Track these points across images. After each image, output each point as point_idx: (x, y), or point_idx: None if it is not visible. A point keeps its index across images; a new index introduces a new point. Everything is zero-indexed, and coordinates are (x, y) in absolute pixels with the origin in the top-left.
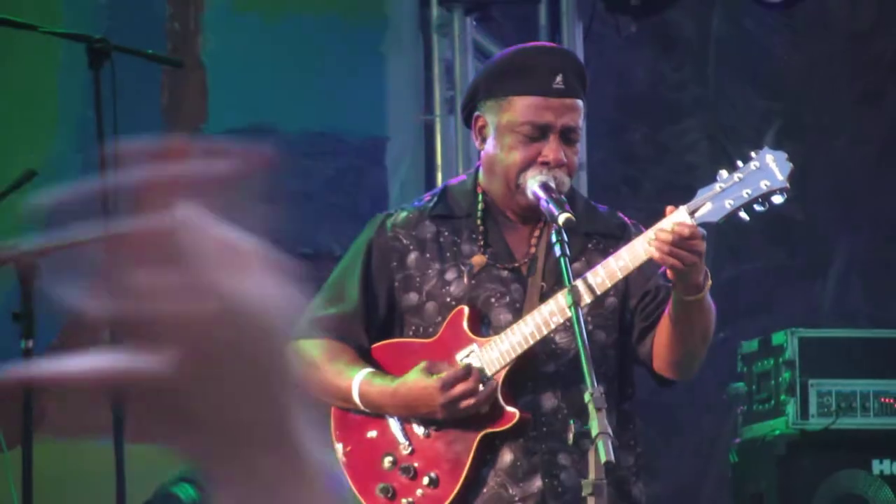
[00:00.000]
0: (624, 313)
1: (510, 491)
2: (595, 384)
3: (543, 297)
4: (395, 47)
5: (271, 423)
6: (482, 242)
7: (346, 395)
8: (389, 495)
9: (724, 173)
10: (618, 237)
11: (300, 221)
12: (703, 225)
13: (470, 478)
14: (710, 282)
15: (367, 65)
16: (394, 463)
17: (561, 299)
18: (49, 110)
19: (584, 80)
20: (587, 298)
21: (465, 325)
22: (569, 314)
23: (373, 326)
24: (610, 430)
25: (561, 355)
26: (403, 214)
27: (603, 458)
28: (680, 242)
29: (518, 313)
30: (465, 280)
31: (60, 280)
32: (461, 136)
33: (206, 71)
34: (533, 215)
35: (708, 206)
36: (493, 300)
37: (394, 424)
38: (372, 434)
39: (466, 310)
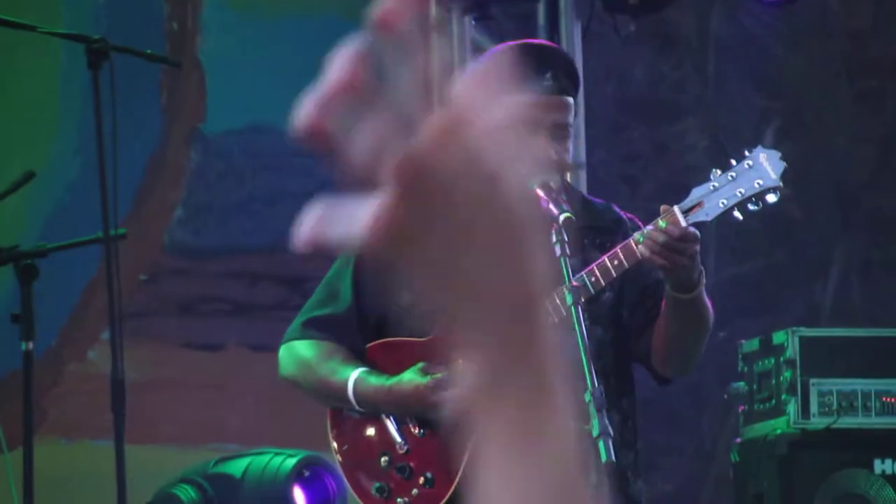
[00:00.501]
0: (620, 309)
1: None
2: (595, 384)
3: None
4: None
5: (521, 294)
6: None
7: (342, 394)
8: (385, 495)
9: (717, 172)
10: (613, 231)
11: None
12: (696, 224)
13: (466, 478)
14: (704, 280)
15: None
16: (390, 462)
17: (558, 298)
18: (49, 112)
19: (575, 78)
20: (582, 297)
21: None
22: (567, 312)
23: (367, 326)
24: (611, 430)
25: None
26: None
27: (604, 458)
28: (671, 244)
29: None
30: None
31: None
32: None
33: (204, 70)
34: None
35: (701, 205)
36: None
37: (390, 424)
38: (368, 433)
39: None
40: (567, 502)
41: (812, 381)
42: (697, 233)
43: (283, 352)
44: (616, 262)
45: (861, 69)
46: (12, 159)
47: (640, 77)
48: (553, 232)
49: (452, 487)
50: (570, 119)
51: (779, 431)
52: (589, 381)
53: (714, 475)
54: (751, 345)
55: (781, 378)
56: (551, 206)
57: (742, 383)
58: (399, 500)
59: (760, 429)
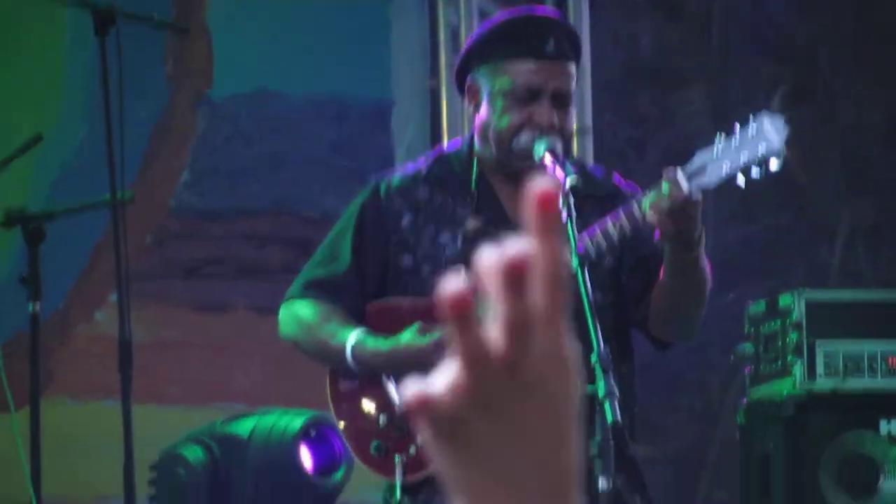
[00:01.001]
0: (620, 274)
1: None
2: (601, 345)
3: None
4: (400, 13)
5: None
6: (476, 207)
7: (340, 356)
8: (383, 453)
9: (721, 137)
10: (613, 201)
11: (306, 186)
12: (699, 188)
13: None
14: (704, 239)
15: (373, 30)
16: (388, 422)
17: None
18: (56, 76)
19: (576, 44)
20: (585, 261)
21: None
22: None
23: (366, 288)
24: (616, 391)
25: None
26: (398, 178)
27: (609, 419)
28: (675, 210)
29: None
30: (459, 244)
31: None
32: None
33: (211, 36)
34: (530, 178)
35: (705, 170)
36: None
37: (389, 384)
38: (367, 394)
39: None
40: None
41: (818, 342)
42: (700, 197)
43: (283, 311)
44: (619, 226)
45: (869, 34)
46: (20, 123)
47: (647, 43)
48: (561, 196)
49: None
50: (573, 86)
51: (785, 393)
52: (595, 343)
53: (720, 436)
54: (757, 307)
55: (788, 340)
56: (558, 171)
57: (749, 345)
58: (396, 457)
59: (766, 390)
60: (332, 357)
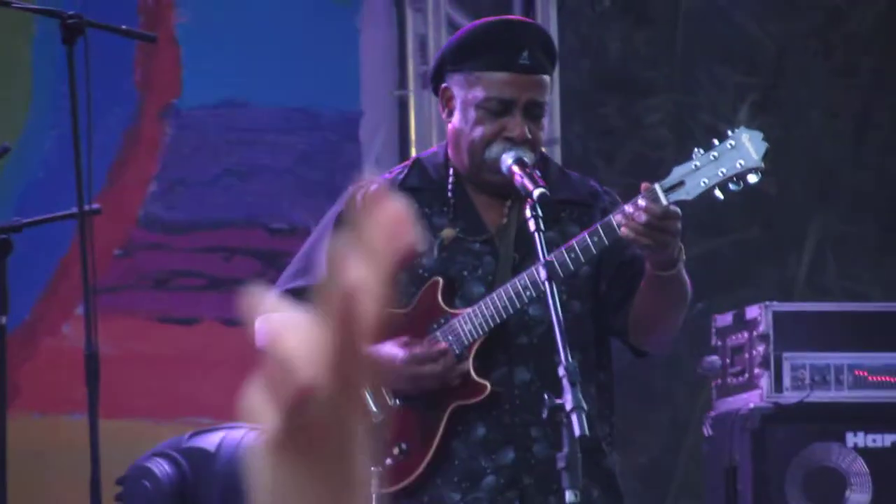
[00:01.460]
0: (599, 282)
1: (482, 463)
2: (569, 358)
3: (516, 269)
4: (369, 22)
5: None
6: (452, 215)
7: None
8: None
9: (699, 151)
10: (591, 205)
11: (274, 197)
12: (677, 203)
13: (441, 449)
14: (683, 256)
15: (341, 40)
16: None
17: (534, 273)
18: (23, 86)
19: (551, 55)
20: (561, 273)
21: (439, 297)
22: (542, 288)
23: None
24: (584, 404)
25: (534, 328)
26: (374, 187)
27: (577, 432)
28: (653, 223)
29: (490, 286)
30: (436, 252)
31: None
32: (435, 110)
33: (179, 46)
34: (501, 190)
35: (683, 184)
36: (465, 273)
37: (365, 394)
38: None
39: (441, 282)
40: None
41: (785, 355)
42: (679, 211)
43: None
44: (596, 239)
45: (836, 44)
46: None
47: (614, 52)
48: (528, 207)
49: (427, 459)
50: (546, 97)
51: (752, 405)
52: (563, 356)
53: (687, 448)
54: (724, 319)
55: (754, 352)
56: (526, 182)
57: (715, 357)
58: (373, 468)
59: (733, 403)
60: None
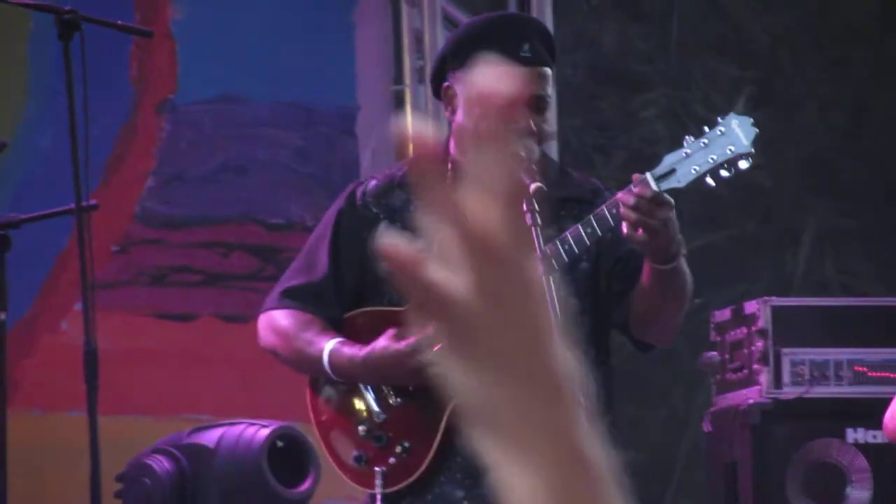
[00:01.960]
0: (598, 278)
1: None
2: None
3: None
4: (365, 17)
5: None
6: None
7: (318, 364)
8: (363, 464)
9: (690, 139)
10: (591, 202)
11: (271, 192)
12: (669, 191)
13: (442, 446)
14: (683, 250)
15: (337, 35)
16: (368, 431)
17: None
18: (19, 82)
19: (552, 47)
20: (557, 266)
21: None
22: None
23: (345, 296)
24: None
25: None
26: (374, 183)
27: None
28: (642, 207)
29: None
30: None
31: None
32: (431, 105)
33: (175, 41)
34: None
35: (674, 172)
36: None
37: (367, 394)
38: (346, 403)
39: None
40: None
41: (784, 350)
42: (671, 200)
43: (262, 321)
44: (589, 230)
45: (831, 37)
46: None
47: (610, 46)
48: (524, 202)
49: (429, 456)
50: (549, 90)
51: (751, 401)
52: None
53: (687, 445)
54: (722, 314)
55: (753, 348)
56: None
57: (714, 353)
58: (377, 468)
59: (733, 398)
60: (310, 366)
